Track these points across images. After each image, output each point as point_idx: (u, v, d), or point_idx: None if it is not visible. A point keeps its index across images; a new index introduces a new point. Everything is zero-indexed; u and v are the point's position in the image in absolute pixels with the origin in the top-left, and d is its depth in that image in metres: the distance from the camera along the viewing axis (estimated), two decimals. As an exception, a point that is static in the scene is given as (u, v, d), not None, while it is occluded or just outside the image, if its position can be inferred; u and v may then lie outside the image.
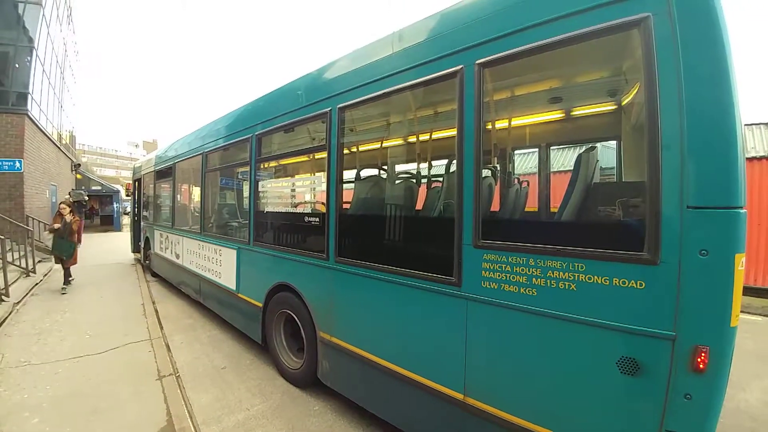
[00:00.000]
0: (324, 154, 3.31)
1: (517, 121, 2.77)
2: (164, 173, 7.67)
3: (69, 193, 10.58)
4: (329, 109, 3.23)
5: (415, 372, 2.57)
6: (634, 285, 1.70)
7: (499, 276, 2.11)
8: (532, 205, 2.63)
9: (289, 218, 4.05)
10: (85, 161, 36.49)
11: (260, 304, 4.18)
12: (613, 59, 2.15)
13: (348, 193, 3.38)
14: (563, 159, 2.74)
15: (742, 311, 6.15)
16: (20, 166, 10.39)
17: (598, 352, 1.81)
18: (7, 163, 10.26)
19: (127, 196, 13.07)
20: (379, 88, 2.80)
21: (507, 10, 2.12)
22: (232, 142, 4.89)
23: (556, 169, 3.06)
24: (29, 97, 11.07)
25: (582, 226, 2.17)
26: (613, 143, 2.97)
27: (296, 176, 4.29)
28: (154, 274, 8.89)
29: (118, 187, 26.16)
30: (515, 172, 2.78)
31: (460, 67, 2.27)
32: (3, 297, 6.06)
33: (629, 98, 2.11)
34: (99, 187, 22.98)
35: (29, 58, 11.30)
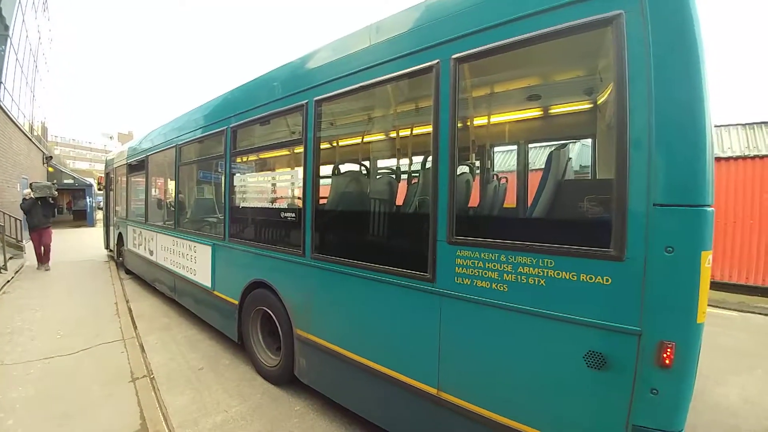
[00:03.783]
0: (300, 149, 3.27)
1: (492, 118, 2.76)
2: (137, 166, 7.44)
3: (30, 187, 9.16)
4: (306, 101, 3.18)
5: (390, 368, 2.59)
6: (601, 281, 1.73)
7: (471, 272, 2.14)
8: (505, 202, 2.67)
9: (266, 214, 3.99)
10: (58, 153, 35.30)
11: (236, 302, 4.13)
12: (588, 57, 2.14)
13: (324, 188, 3.34)
14: (538, 156, 2.77)
15: (718, 306, 6.45)
16: (-11, 158, 9.99)
17: (566, 347, 1.84)
18: (-25, 155, 9.83)
19: (99, 189, 12.68)
20: (356, 81, 2.77)
21: (483, 5, 2.11)
22: (206, 134, 4.79)
23: (530, 167, 3.07)
24: (1, 86, 10.66)
25: (551, 223, 2.20)
26: (590, 141, 2.99)
27: (272, 171, 4.20)
28: (128, 272, 8.65)
29: (91, 180, 25.38)
30: (489, 169, 2.82)
31: (436, 61, 2.26)
32: (-28, 295, 5.81)
33: (604, 97, 2.13)
34: (71, 181, 22.25)
35: (3, 46, 10.92)
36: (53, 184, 9.39)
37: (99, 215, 23.25)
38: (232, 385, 3.80)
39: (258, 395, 3.61)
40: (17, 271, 8.47)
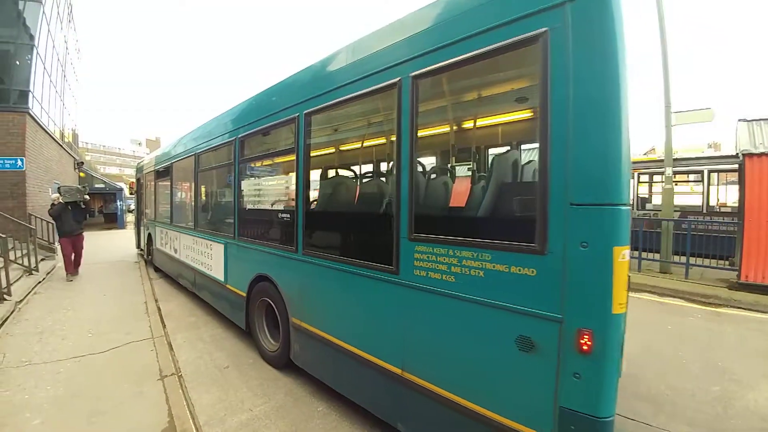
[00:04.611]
0: (293, 157, 3.63)
1: (445, 128, 2.99)
2: (163, 173, 8.12)
3: (58, 191, 8.35)
4: (297, 114, 3.53)
5: (364, 350, 2.89)
6: (528, 272, 1.92)
7: (426, 265, 2.40)
8: (454, 203, 2.86)
9: (267, 215, 4.42)
10: (89, 159, 36.62)
11: (244, 294, 4.54)
12: (523, 70, 2.30)
13: (313, 192, 3.69)
14: (483, 161, 2.98)
15: (752, 309, 6.07)
16: (22, 164, 10.31)
17: (501, 332, 2.04)
18: (8, 161, 10.18)
19: (131, 194, 13.77)
20: (337, 96, 3.07)
21: (432, 29, 2.37)
22: (219, 144, 5.23)
23: (476, 171, 3.23)
24: (30, 95, 10.97)
25: (489, 221, 2.39)
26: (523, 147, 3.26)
27: (272, 177, 4.54)
28: (157, 269, 9.20)
29: (121, 184, 26.21)
30: (442, 174, 3.05)
31: (398, 79, 2.54)
32: (5, 296, 5.99)
33: (533, 107, 2.25)
34: (102, 185, 23.02)
35: (30, 56, 11.18)
36: (84, 187, 8.85)
37: (129, 218, 24.03)
38: (255, 384, 3.77)
39: (281, 395, 3.58)
40: (48, 272, 8.69)
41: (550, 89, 1.82)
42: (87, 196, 8.58)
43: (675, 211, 9.01)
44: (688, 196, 11.49)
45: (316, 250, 3.39)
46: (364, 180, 3.73)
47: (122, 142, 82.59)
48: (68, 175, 16.67)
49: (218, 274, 5.28)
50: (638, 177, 11.39)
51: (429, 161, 2.93)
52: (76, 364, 4.12)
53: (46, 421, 3.10)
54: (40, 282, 7.74)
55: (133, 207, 31.49)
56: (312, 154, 3.63)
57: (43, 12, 11.61)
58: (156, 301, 6.75)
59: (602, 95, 1.71)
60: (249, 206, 4.73)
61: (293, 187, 3.66)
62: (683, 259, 8.18)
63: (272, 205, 4.40)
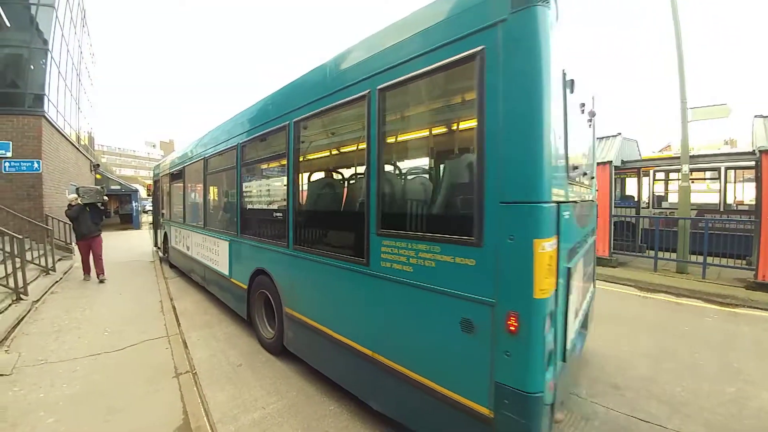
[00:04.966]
0: (284, 161, 4.00)
1: (407, 136, 3.24)
2: (176, 175, 8.65)
3: (77, 192, 8.08)
4: (288, 122, 3.87)
5: (342, 334, 3.21)
6: (468, 262, 2.19)
7: (390, 257, 2.69)
8: (413, 202, 3.05)
9: (264, 215, 4.77)
10: (105, 162, 37.21)
11: (245, 286, 4.93)
12: (466, 84, 2.41)
13: (301, 193, 4.05)
14: (438, 165, 3.28)
15: None
16: (38, 166, 10.49)
17: (449, 315, 2.30)
18: (25, 163, 10.36)
19: (148, 195, 14.87)
20: (321, 106, 3.40)
21: (393, 48, 2.67)
22: (223, 149, 5.68)
23: (432, 174, 3.64)
24: (45, 98, 11.15)
25: (439, 218, 2.60)
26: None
27: (269, 180, 4.82)
28: (172, 266, 9.69)
29: (136, 186, 26.61)
30: (403, 176, 3.30)
31: (368, 91, 2.82)
32: (21, 296, 6.09)
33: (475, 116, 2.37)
34: (118, 187, 23.37)
35: (44, 60, 11.36)
36: (102, 188, 8.68)
37: (144, 218, 24.37)
38: (268, 383, 3.79)
39: (293, 393, 3.59)
40: (66, 272, 8.83)
41: (485, 102, 2.07)
42: (106, 197, 8.41)
43: (692, 209, 8.84)
44: (705, 194, 11.29)
45: (304, 246, 3.74)
46: (342, 182, 4.04)
47: (137, 144, 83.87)
48: (85, 177, 16.95)
49: (224, 268, 5.69)
50: (654, 175, 11.18)
51: (393, 165, 3.15)
52: (93, 362, 4.17)
53: (61, 420, 3.12)
54: (57, 282, 7.86)
55: (148, 208, 32.26)
56: (300, 159, 3.96)
57: (56, 17, 11.78)
58: (171, 299, 6.84)
59: (526, 109, 1.94)
60: (249, 206, 5.14)
61: (285, 188, 4.02)
62: (699, 258, 8.02)
63: (269, 205, 4.74)
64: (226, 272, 5.63)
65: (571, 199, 2.48)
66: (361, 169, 3.16)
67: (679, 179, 8.64)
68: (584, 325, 3.50)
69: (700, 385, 3.67)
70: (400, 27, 2.66)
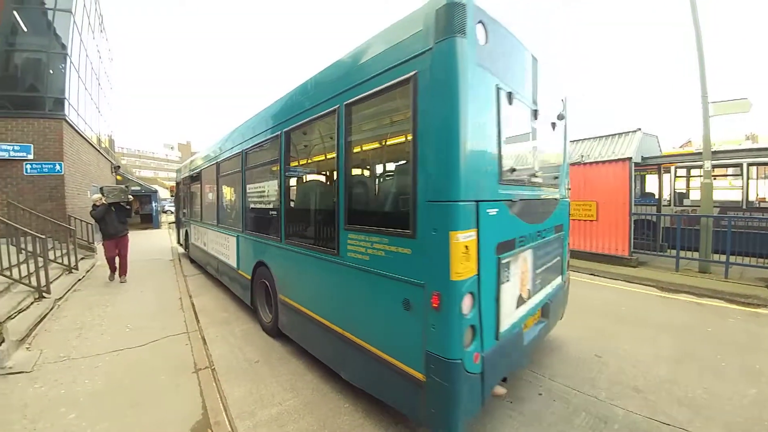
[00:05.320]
0: (277, 167, 4.55)
1: (367, 145, 3.63)
2: (195, 177, 9.44)
3: (101, 191, 7.87)
4: (280, 132, 4.42)
5: (320, 315, 3.72)
6: (407, 251, 2.63)
7: (354, 248, 3.14)
8: (369, 201, 3.54)
9: (263, 213, 5.21)
10: (125, 163, 37.97)
11: (249, 277, 5.51)
12: (405, 103, 2.78)
13: (291, 194, 4.60)
14: (386, 171, 3.88)
15: None
16: (60, 168, 10.74)
17: (394, 296, 2.72)
18: (47, 165, 10.60)
19: (171, 196, 16.27)
20: (305, 117, 3.87)
21: (353, 70, 3.14)
22: (231, 155, 6.33)
23: (383, 177, 4.14)
24: (66, 102, 11.39)
25: (387, 214, 3.09)
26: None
27: (266, 182, 5.24)
28: (192, 261, 10.52)
29: (155, 187, 27.11)
30: (363, 179, 3.73)
31: (337, 106, 3.28)
32: (44, 294, 6.22)
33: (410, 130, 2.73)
34: (138, 187, 23.84)
35: (63, 64, 11.60)
36: (127, 187, 8.42)
37: (163, 218, 24.80)
38: (284, 379, 3.83)
39: (309, 390, 3.62)
40: (88, 271, 9.04)
41: (417, 118, 2.50)
42: (131, 196, 8.23)
43: (714, 206, 8.60)
44: (727, 191, 10.93)
45: (293, 240, 4.27)
46: (322, 184, 4.40)
47: (155, 146, 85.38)
48: (106, 178, 17.32)
49: (233, 261, 6.36)
50: (675, 171, 10.90)
51: (356, 170, 3.52)
52: (115, 358, 4.26)
53: (82, 415, 3.18)
54: (79, 280, 8.04)
55: (167, 207, 33.01)
56: (290, 164, 4.53)
57: (74, 21, 11.99)
58: (190, 297, 6.96)
59: (445, 123, 2.34)
60: (252, 206, 5.64)
61: (278, 190, 4.57)
62: (722, 257, 7.80)
63: (267, 205, 5.16)
64: (234, 265, 6.29)
65: (504, 198, 2.82)
66: (334, 173, 3.49)
67: (700, 176, 8.42)
68: (546, 314, 3.76)
69: (722, 387, 3.60)
70: (359, 53, 3.13)
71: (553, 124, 3.95)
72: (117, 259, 8.03)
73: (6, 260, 6.07)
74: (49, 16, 11.38)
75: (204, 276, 8.95)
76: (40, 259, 6.29)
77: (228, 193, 7.09)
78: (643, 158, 9.51)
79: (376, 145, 3.43)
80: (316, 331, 3.80)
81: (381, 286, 2.87)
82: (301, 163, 4.59)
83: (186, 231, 11.18)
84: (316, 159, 4.33)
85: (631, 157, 8.73)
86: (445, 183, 2.35)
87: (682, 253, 8.35)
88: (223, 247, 6.92)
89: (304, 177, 4.60)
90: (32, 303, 5.85)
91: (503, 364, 2.90)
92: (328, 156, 3.79)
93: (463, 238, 2.35)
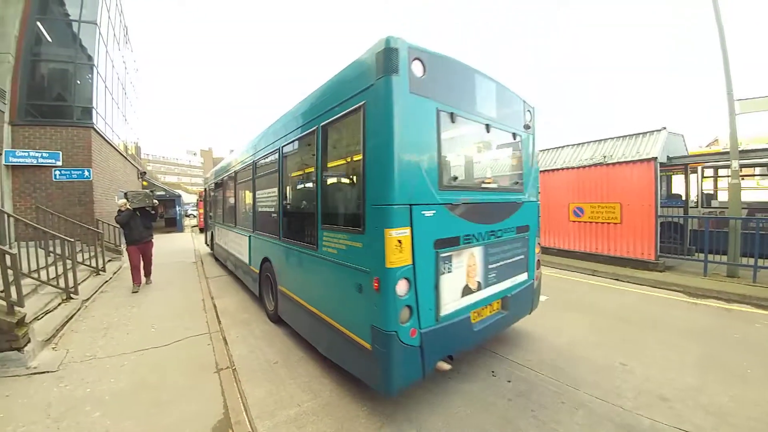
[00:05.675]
0: (277, 176, 5.35)
1: (339, 161, 3.95)
2: (218, 185, 10.79)
3: (125, 196, 7.79)
4: (278, 147, 5.25)
5: (305, 300, 4.41)
6: (359, 245, 3.23)
7: (327, 243, 3.78)
8: (336, 205, 3.92)
9: (268, 216, 5.91)
10: (150, 169, 39.00)
11: (257, 271, 6.30)
12: (359, 126, 3.23)
13: (287, 199, 5.19)
14: (348, 181, 3.87)
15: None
16: (89, 174, 11.13)
17: (351, 281, 3.32)
18: (76, 172, 11.01)
19: (201, 200, 18.22)
20: (297, 134, 4.62)
21: (326, 99, 3.85)
22: (244, 166, 7.28)
23: (345, 187, 4.12)
24: (93, 111, 11.80)
25: (347, 215, 3.59)
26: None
27: (270, 189, 5.85)
28: (216, 260, 11.56)
29: (179, 191, 27.77)
30: (332, 188, 4.04)
31: (316, 127, 3.98)
32: (71, 295, 6.42)
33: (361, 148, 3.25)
34: (163, 192, 24.50)
35: (90, 75, 12.00)
36: (152, 192, 8.25)
37: (186, 222, 25.35)
38: (303, 381, 3.87)
39: (327, 392, 3.65)
40: (115, 272, 9.30)
41: (366, 139, 3.10)
42: (156, 201, 8.07)
43: (742, 208, 8.28)
44: (756, 191, 10.49)
45: (287, 238, 4.95)
46: (308, 191, 4.72)
47: (179, 152, 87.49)
48: (132, 184, 17.85)
49: (245, 258, 7.22)
50: (702, 171, 10.52)
51: (330, 179, 4.00)
52: (140, 357, 4.37)
53: (107, 413, 3.25)
54: (106, 281, 8.28)
55: (190, 212, 34.05)
56: (286, 175, 5.17)
57: (99, 33, 12.41)
58: (212, 298, 7.10)
59: (382, 144, 2.94)
60: (260, 210, 6.41)
61: (278, 196, 5.28)
62: (750, 261, 7.52)
63: (270, 209, 5.80)
64: (246, 261, 7.15)
65: (444, 202, 3.30)
66: (315, 182, 4.05)
67: (728, 176, 8.13)
68: (506, 307, 4.15)
69: (748, 395, 3.49)
70: (330, 84, 3.82)
71: (515, 135, 4.41)
72: (142, 265, 7.93)
73: (34, 263, 6.28)
74: (75, 27, 11.78)
75: (225, 278, 9.12)
76: (69, 262, 6.50)
77: (242, 199, 7.93)
78: (668, 158, 9.19)
79: (343, 160, 3.78)
80: (302, 314, 4.48)
81: (343, 274, 3.48)
82: (294, 173, 5.05)
83: (211, 232, 12.62)
84: (305, 170, 4.63)
85: (656, 157, 8.44)
86: (383, 190, 2.93)
87: (710, 257, 8.05)
88: (239, 245, 7.81)
89: (296, 185, 5.00)
90: (60, 304, 6.05)
91: (445, 344, 3.35)
92: (312, 167, 4.22)
93: (396, 234, 2.91)
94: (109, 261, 10.12)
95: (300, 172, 4.92)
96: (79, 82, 11.82)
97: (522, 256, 4.40)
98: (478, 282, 3.70)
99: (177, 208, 25.26)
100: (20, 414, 3.25)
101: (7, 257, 4.32)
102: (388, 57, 2.92)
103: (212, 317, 5.84)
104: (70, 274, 6.46)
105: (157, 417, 3.21)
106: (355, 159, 3.41)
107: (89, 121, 11.57)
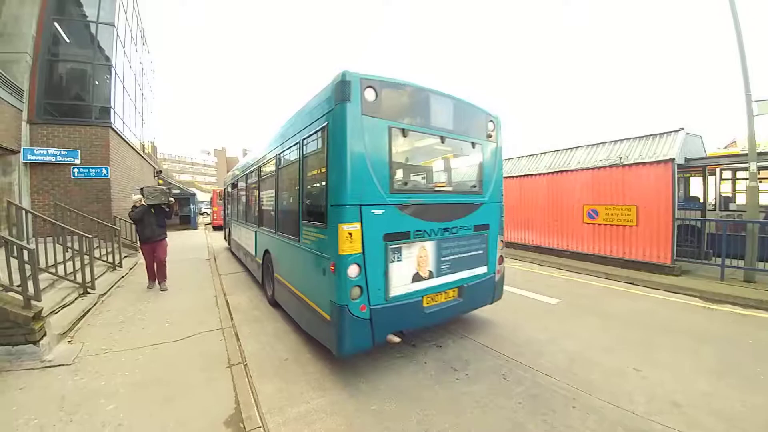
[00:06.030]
0: (273, 179, 6.18)
1: (313, 170, 4.51)
2: (233, 186, 11.89)
3: (141, 192, 7.38)
4: (275, 154, 6.01)
5: (291, 284, 5.19)
6: (324, 237, 3.91)
7: (305, 235, 4.52)
8: (310, 204, 4.55)
9: (268, 213, 6.79)
10: (166, 168, 39.59)
11: (260, 261, 7.17)
12: (324, 143, 4.02)
13: (280, 199, 5.94)
14: (321, 185, 4.31)
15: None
16: (107, 172, 11.40)
17: (319, 265, 4.03)
18: (94, 170, 11.28)
19: (220, 199, 19.99)
20: (286, 146, 5.45)
21: (305, 118, 4.63)
22: (251, 171, 8.51)
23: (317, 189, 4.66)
24: (111, 111, 12.07)
25: (317, 213, 4.17)
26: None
27: (269, 191, 6.66)
28: (232, 253, 12.56)
29: (193, 190, 28.15)
30: (311, 189, 4.59)
31: (298, 141, 4.80)
32: (89, 289, 6.57)
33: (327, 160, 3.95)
34: (178, 191, 24.88)
35: (108, 75, 12.27)
36: (169, 189, 7.76)
37: (200, 219, 25.70)
38: (313, 378, 3.91)
39: (336, 390, 3.68)
40: (131, 268, 9.48)
41: (328, 153, 3.82)
42: (172, 198, 7.62)
43: (760, 211, 8.07)
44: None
45: (281, 231, 5.72)
46: (295, 193, 5.20)
47: (193, 151, 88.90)
48: (149, 182, 18.20)
49: (252, 250, 8.19)
50: (720, 173, 10.27)
51: (309, 182, 4.61)
52: (154, 351, 4.45)
53: (120, 406, 3.30)
54: (123, 277, 8.45)
55: (203, 210, 34.89)
56: (279, 180, 5.93)
57: (117, 35, 12.64)
58: (225, 295, 7.19)
59: (338, 157, 3.66)
60: (263, 208, 7.32)
61: (275, 196, 6.09)
62: (767, 265, 7.34)
63: (269, 207, 6.60)
64: (253, 252, 8.13)
65: (393, 203, 3.93)
66: (298, 185, 4.82)
67: (746, 178, 7.95)
68: (462, 295, 4.66)
69: (759, 400, 3.44)
70: (307, 105, 4.58)
71: (473, 144, 4.90)
72: (155, 265, 7.59)
73: (52, 258, 6.44)
74: (92, 29, 12.01)
75: (237, 276, 9.24)
76: (86, 257, 6.65)
77: (251, 199, 8.92)
78: (686, 159, 8.99)
79: (317, 169, 4.33)
80: (290, 296, 5.24)
81: (314, 260, 4.19)
82: (285, 177, 5.68)
83: (228, 229, 14.01)
84: (293, 174, 5.20)
85: (673, 159, 8.26)
86: (339, 193, 3.63)
87: (727, 261, 7.87)
88: (249, 239, 8.71)
89: (287, 187, 5.59)
90: (77, 298, 6.19)
91: (395, 320, 3.97)
92: (297, 173, 4.92)
93: (347, 228, 3.60)
94: (126, 257, 10.33)
95: (289, 177, 5.48)
96: (97, 82, 12.08)
97: (480, 251, 4.89)
98: (430, 271, 4.28)
99: (191, 206, 25.60)
100: (33, 406, 3.29)
101: (25, 252, 4.42)
102: (342, 88, 3.63)
103: (224, 313, 5.91)
104: (87, 270, 6.61)
105: (171, 410, 3.26)
106: (322, 168, 3.99)
107: (107, 120, 11.83)
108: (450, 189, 4.91)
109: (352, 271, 3.62)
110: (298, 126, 4.80)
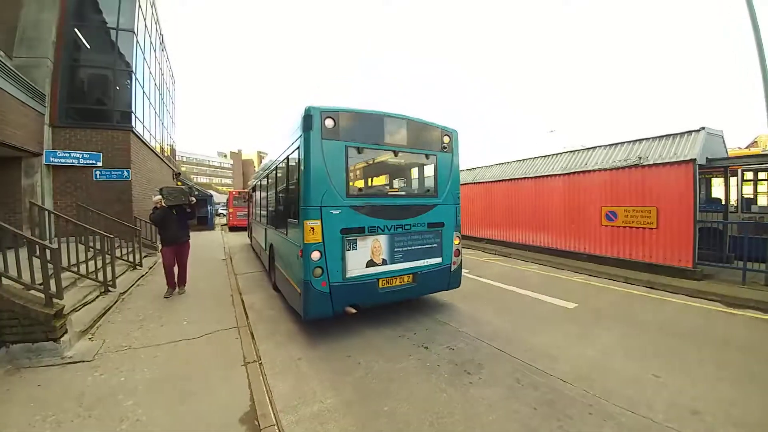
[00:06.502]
0: (274, 184, 7.55)
1: (294, 180, 5.44)
2: (253, 189, 13.25)
3: (160, 192, 7.02)
4: (275, 166, 7.23)
5: (282, 269, 6.25)
6: (297, 230, 4.95)
7: (289, 229, 5.65)
8: (294, 205, 5.44)
9: (274, 212, 7.65)
10: (184, 170, 40.33)
11: (268, 253, 8.17)
12: (298, 157, 5.07)
13: (280, 201, 6.96)
14: (298, 191, 5.41)
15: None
16: (128, 174, 11.68)
17: (296, 252, 5.03)
18: (116, 172, 11.58)
19: (244, 201, 21.86)
20: (281, 159, 6.43)
21: (288, 138, 5.74)
22: (261, 177, 10.06)
23: (295, 194, 5.55)
24: (132, 115, 12.35)
25: (296, 212, 5.07)
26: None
27: (273, 195, 7.76)
28: (252, 249, 13.99)
29: (211, 191, 28.60)
30: (294, 194, 5.48)
31: (286, 156, 5.85)
32: (109, 288, 6.75)
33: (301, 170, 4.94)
34: (196, 192, 25.33)
35: (129, 80, 12.54)
36: (189, 188, 7.55)
37: (216, 220, 26.19)
38: (325, 377, 3.93)
39: (350, 390, 3.68)
40: (151, 267, 9.68)
41: (302, 167, 4.81)
42: (193, 198, 7.28)
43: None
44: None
45: (278, 227, 6.72)
46: (290, 196, 5.97)
47: (210, 153, 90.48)
48: (168, 183, 18.56)
49: (263, 243, 9.30)
50: (742, 174, 9.97)
51: (291, 189, 5.69)
52: (173, 349, 4.54)
53: (139, 402, 3.37)
54: (143, 275, 8.62)
55: (220, 211, 36.06)
56: (281, 185, 6.74)
57: (137, 41, 12.91)
58: (240, 294, 7.29)
59: (304, 171, 4.75)
60: (270, 208, 8.27)
61: (275, 199, 7.35)
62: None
63: (275, 208, 7.52)
64: (263, 246, 9.22)
65: (349, 204, 4.93)
66: (288, 190, 5.91)
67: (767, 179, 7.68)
68: (416, 281, 5.54)
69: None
70: (289, 128, 5.65)
71: (427, 155, 5.84)
72: (176, 269, 7.26)
73: (74, 257, 6.61)
74: (112, 35, 12.25)
75: (252, 275, 9.38)
76: (107, 257, 6.82)
77: (264, 201, 9.80)
78: (708, 160, 8.72)
79: (296, 178, 5.21)
80: (282, 280, 6.28)
81: (293, 248, 5.20)
82: (284, 185, 6.51)
83: (250, 228, 15.58)
84: (286, 181, 6.18)
85: (695, 159, 8.05)
86: (305, 197, 4.72)
87: (749, 265, 7.62)
88: (261, 235, 9.87)
89: (282, 192, 6.66)
90: (98, 296, 6.36)
91: (351, 296, 4.93)
92: (286, 180, 6.06)
93: (310, 224, 4.68)
94: (146, 256, 10.55)
95: (281, 184, 6.65)
96: (118, 87, 12.36)
97: (435, 245, 5.77)
98: (384, 259, 5.23)
99: (208, 207, 26.03)
100: (52, 402, 3.36)
101: (48, 251, 4.50)
102: (305, 121, 4.76)
103: (240, 312, 5.99)
104: (108, 269, 6.78)
105: (188, 406, 3.32)
106: (298, 178, 5.02)
107: (128, 124, 12.10)
108: (404, 193, 6.21)
109: (315, 255, 4.66)
110: (285, 144, 5.99)
